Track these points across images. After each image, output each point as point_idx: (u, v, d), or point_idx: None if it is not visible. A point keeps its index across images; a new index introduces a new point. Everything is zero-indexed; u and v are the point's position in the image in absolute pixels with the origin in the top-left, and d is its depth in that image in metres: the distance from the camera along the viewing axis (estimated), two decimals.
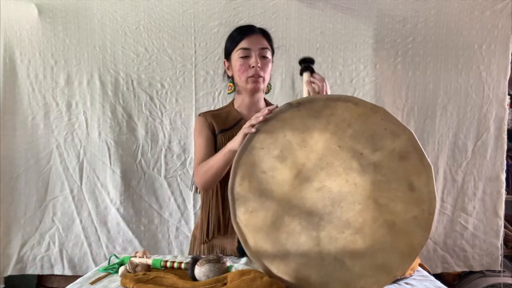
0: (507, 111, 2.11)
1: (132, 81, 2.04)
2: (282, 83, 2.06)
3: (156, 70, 2.04)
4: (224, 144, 1.27)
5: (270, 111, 0.99)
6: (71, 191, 2.05)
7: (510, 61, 2.08)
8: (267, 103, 1.40)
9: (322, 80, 1.14)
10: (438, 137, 2.08)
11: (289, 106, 0.97)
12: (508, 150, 2.19)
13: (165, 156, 2.07)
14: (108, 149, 2.04)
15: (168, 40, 2.03)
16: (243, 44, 1.28)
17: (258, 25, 1.35)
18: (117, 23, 2.02)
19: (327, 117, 0.94)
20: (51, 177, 2.05)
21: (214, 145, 1.32)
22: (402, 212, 0.90)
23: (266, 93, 1.40)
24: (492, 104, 2.08)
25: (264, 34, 1.33)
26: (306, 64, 1.18)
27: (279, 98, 2.01)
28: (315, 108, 0.95)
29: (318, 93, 1.12)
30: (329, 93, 1.15)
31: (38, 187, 2.05)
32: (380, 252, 0.91)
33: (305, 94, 1.12)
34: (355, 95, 2.04)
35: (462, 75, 2.08)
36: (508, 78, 2.09)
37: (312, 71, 1.16)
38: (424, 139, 2.07)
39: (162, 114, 2.06)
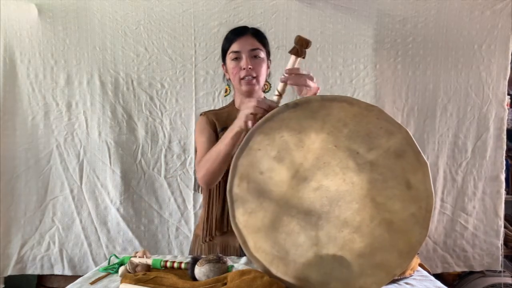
0: (507, 111, 2.11)
1: (132, 81, 2.04)
2: None
3: (156, 70, 2.04)
4: None
5: (269, 106, 1.02)
6: (71, 191, 2.06)
7: (510, 61, 2.08)
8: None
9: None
10: (438, 137, 2.08)
11: (286, 107, 0.96)
12: (508, 150, 2.19)
13: (165, 156, 2.07)
14: (108, 149, 2.04)
15: (168, 40, 2.03)
16: (233, 47, 1.31)
17: (258, 25, 1.34)
18: (117, 23, 2.02)
19: (323, 117, 0.94)
20: (51, 177, 2.05)
21: (216, 142, 1.31)
22: (400, 210, 0.90)
23: (266, 91, 1.38)
24: (492, 104, 2.09)
25: (256, 34, 1.34)
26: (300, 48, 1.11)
27: None
28: (311, 108, 0.95)
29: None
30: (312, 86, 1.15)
31: (38, 187, 2.05)
32: (379, 251, 0.90)
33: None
34: (355, 95, 2.04)
35: (462, 75, 2.08)
36: (508, 78, 2.09)
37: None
38: (424, 139, 2.06)
39: (162, 114, 2.06)
